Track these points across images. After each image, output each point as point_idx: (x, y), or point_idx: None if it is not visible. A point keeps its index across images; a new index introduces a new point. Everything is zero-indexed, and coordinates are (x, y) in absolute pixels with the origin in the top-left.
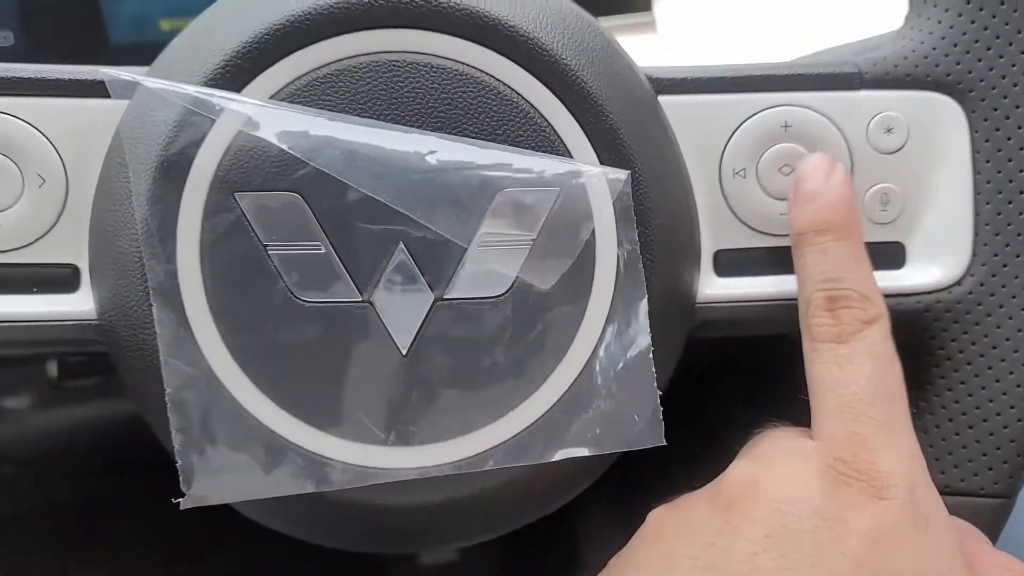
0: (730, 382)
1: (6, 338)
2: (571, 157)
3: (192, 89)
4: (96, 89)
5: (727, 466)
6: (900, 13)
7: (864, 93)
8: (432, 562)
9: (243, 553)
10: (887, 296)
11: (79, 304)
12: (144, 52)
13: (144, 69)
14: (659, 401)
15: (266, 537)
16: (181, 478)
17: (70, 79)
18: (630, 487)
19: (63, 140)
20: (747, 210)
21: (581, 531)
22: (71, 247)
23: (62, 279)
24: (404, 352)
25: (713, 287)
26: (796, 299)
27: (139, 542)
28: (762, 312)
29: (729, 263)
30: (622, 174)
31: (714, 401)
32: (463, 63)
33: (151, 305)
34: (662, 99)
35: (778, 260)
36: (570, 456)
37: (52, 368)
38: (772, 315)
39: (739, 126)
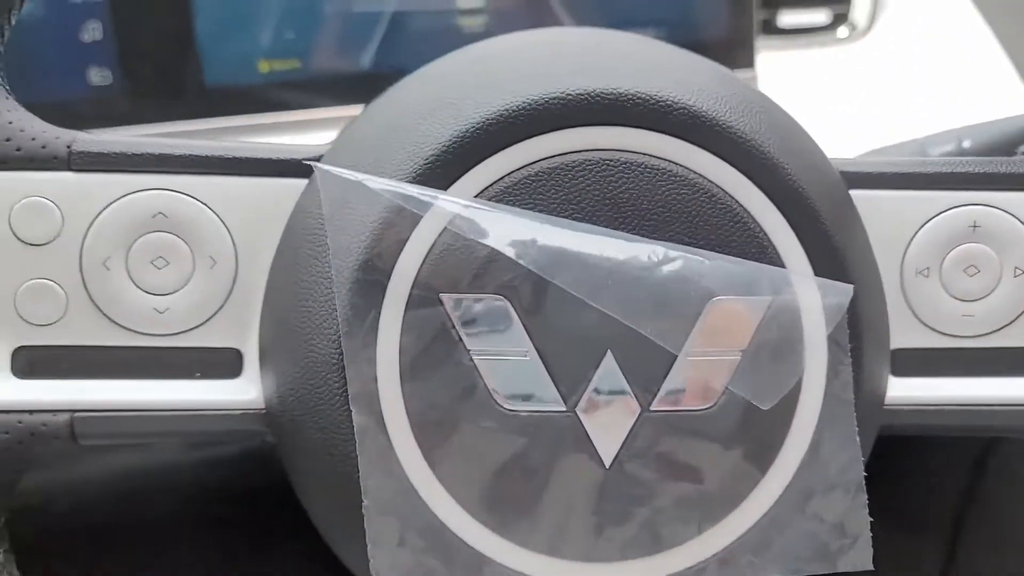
0: None
1: (172, 428)
2: (783, 264)
3: (399, 186)
4: (267, 167)
5: None
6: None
7: None
8: None
9: None
10: None
11: (243, 392)
12: (241, 94)
13: (245, 119)
14: (868, 521)
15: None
16: None
17: (244, 158)
18: None
19: (235, 221)
20: (928, 310)
21: None
22: (236, 331)
23: (226, 364)
24: (607, 464)
25: (892, 388)
26: (980, 405)
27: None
28: (943, 417)
29: (908, 363)
30: (842, 290)
31: None
32: (676, 163)
33: (347, 409)
34: (851, 193)
35: (961, 362)
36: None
37: None
38: (954, 421)
39: (925, 224)
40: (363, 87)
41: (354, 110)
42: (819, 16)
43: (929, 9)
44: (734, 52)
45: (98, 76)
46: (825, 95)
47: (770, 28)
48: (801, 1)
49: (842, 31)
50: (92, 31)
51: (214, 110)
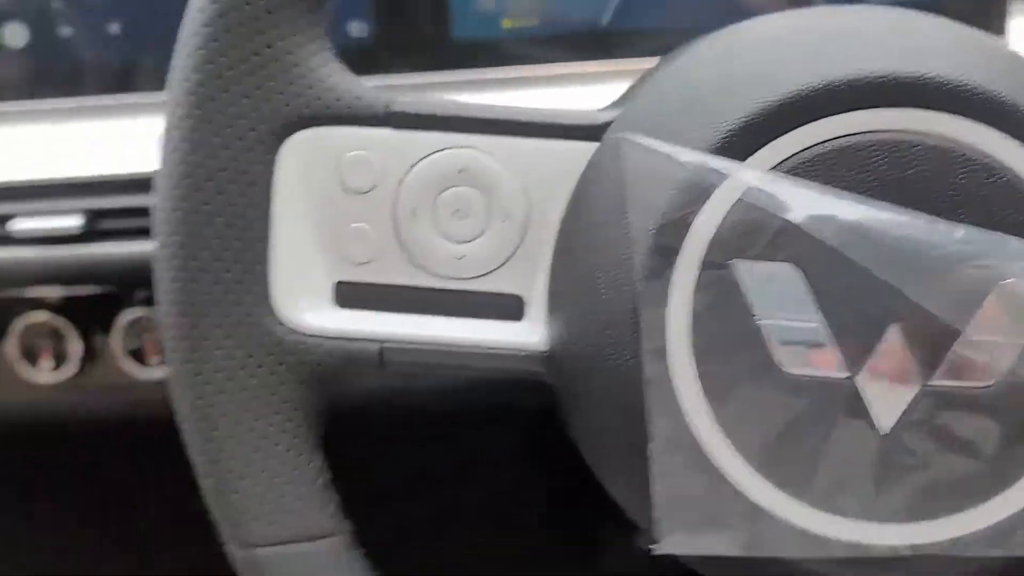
0: None
1: (464, 363)
2: None
3: (700, 156)
4: (558, 131)
5: None
6: None
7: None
8: None
9: None
10: None
11: (526, 335)
12: (484, 48)
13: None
14: None
15: None
16: (657, 526)
17: (538, 122)
18: None
19: (528, 180)
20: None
21: None
22: (520, 280)
23: (510, 309)
24: (884, 434)
25: None
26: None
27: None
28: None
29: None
30: None
31: None
32: (971, 146)
33: (636, 360)
34: None
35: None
36: None
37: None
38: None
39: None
40: (601, 44)
41: (592, 66)
42: None
43: None
44: (984, 18)
45: (357, 28)
46: None
47: None
48: None
49: None
50: None
51: (460, 63)
